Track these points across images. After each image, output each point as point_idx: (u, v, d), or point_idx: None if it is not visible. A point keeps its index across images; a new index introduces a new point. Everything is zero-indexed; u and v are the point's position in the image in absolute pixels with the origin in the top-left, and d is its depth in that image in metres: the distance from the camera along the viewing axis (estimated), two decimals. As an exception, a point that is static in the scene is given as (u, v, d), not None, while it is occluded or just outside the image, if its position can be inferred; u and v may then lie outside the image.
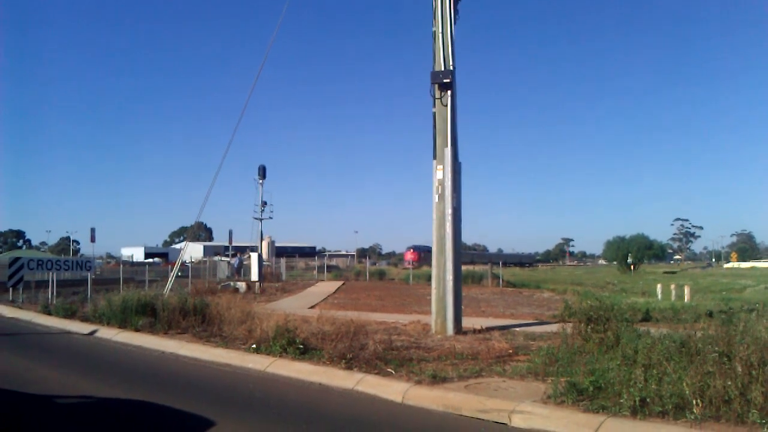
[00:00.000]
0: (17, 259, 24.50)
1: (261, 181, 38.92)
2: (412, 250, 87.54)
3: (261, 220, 39.06)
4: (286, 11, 19.89)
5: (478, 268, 45.47)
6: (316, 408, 8.13)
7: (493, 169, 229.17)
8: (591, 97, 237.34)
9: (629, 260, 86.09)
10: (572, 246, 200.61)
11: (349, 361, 10.00)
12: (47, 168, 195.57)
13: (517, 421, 7.15)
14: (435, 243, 14.02)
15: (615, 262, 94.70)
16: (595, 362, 8.46)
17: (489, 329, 13.97)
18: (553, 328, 12.70)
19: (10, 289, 23.61)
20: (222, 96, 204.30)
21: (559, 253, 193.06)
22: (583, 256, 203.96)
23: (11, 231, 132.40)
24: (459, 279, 13.89)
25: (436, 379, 8.81)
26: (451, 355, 10.66)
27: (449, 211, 13.65)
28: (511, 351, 11.01)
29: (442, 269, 13.76)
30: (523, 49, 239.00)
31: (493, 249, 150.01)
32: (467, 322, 14.21)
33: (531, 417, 7.13)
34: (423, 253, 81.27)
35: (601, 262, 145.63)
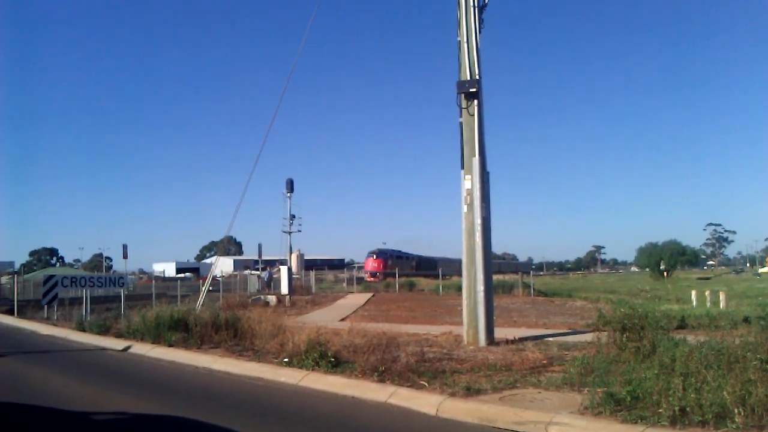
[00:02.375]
0: (51, 276, 24.96)
1: (289, 194, 39.24)
2: (374, 257, 69.04)
3: (290, 233, 39.35)
4: (311, 23, 20.01)
5: (508, 277, 45.01)
6: (350, 421, 8.12)
7: (521, 177, 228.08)
8: (620, 100, 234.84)
9: (662, 267, 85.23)
10: (604, 253, 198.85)
11: (382, 373, 9.94)
12: (79, 186, 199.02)
13: (554, 433, 7.02)
14: (465, 253, 13.92)
15: (647, 269, 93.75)
16: (632, 372, 8.31)
17: (522, 339, 13.81)
18: (588, 337, 12.52)
19: (45, 307, 24.00)
20: (249, 110, 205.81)
21: (591, 261, 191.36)
22: (614, 264, 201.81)
23: (45, 249, 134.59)
24: (490, 289, 13.76)
25: (470, 391, 8.73)
26: (484, 366, 10.56)
27: (478, 221, 13.57)
28: (545, 361, 10.88)
29: (473, 280, 13.65)
30: (550, 53, 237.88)
31: (523, 258, 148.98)
32: (500, 333, 14.08)
33: (568, 428, 7.02)
34: (390, 260, 67.36)
35: (634, 269, 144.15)
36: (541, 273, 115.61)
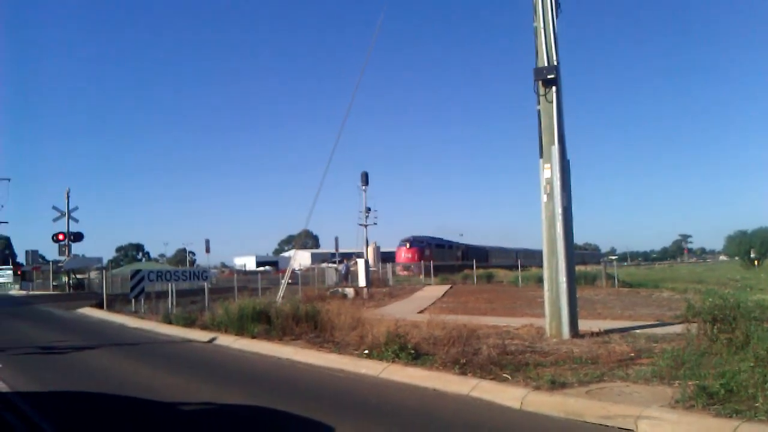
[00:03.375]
0: (138, 271, 25.85)
1: (364, 187, 39.33)
2: (407, 246, 60.84)
3: (366, 226, 39.45)
4: (380, 13, 19.98)
5: (590, 268, 43.61)
6: (432, 414, 8.05)
7: (602, 164, 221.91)
8: (705, 83, 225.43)
9: (752, 255, 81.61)
10: (690, 242, 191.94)
11: (463, 366, 9.84)
12: (163, 184, 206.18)
13: (644, 428, 6.79)
14: (545, 244, 13.64)
15: (737, 258, 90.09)
16: (725, 364, 7.96)
17: (607, 332, 13.41)
18: (676, 329, 12.07)
19: (133, 300, 24.91)
20: (325, 101, 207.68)
21: (677, 250, 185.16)
22: (702, 253, 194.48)
23: (131, 244, 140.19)
24: (573, 280, 13.43)
25: (555, 385, 8.51)
26: (569, 359, 10.29)
27: (559, 210, 13.25)
28: (632, 354, 10.52)
29: (554, 270, 13.35)
30: (631, 35, 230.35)
31: (605, 248, 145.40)
32: (583, 325, 13.71)
33: (659, 423, 6.76)
34: (429, 250, 59.18)
35: (722, 258, 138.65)
36: (626, 263, 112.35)
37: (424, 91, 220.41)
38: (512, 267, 50.87)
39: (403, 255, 59.44)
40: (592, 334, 13.14)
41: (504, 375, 9.28)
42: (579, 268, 42.61)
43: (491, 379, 9.16)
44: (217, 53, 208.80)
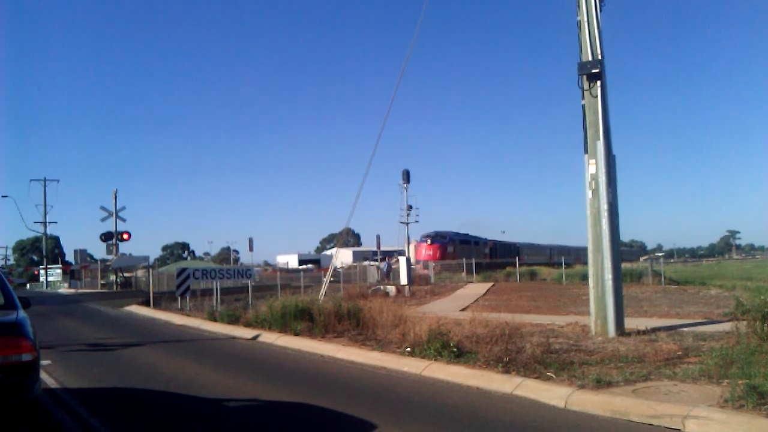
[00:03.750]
0: (184, 269, 26.29)
1: (405, 185, 39.23)
2: (428, 242, 56.47)
3: (407, 224, 39.39)
4: (420, 20, 19.88)
5: (635, 265, 42.74)
6: (476, 412, 8.00)
7: (647, 159, 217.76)
8: (755, 73, 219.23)
9: (804, 251, 79.25)
10: (739, 238, 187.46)
11: (506, 364, 9.77)
12: (207, 183, 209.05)
13: (692, 427, 6.65)
14: (591, 241, 13.46)
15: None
16: (776, 363, 7.76)
17: (654, 330, 13.18)
18: (725, 327, 11.79)
19: (179, 298, 25.36)
20: (368, 99, 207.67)
21: (725, 247, 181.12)
22: (751, 249, 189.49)
23: (177, 243, 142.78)
24: (619, 278, 13.20)
25: (601, 383, 8.39)
26: (614, 357, 10.14)
27: (605, 207, 13.05)
28: (680, 353, 10.32)
29: (600, 268, 13.16)
30: (678, 25, 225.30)
31: (651, 245, 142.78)
32: (629, 323, 13.49)
33: (707, 423, 6.61)
34: (452, 246, 56.57)
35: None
36: (672, 260, 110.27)
37: (461, 89, 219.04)
38: (544, 264, 49.75)
39: (424, 252, 55.82)
40: (638, 332, 12.92)
41: (548, 373, 9.20)
42: (636, 265, 41.85)
43: (535, 377, 9.08)
44: (271, 48, 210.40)
